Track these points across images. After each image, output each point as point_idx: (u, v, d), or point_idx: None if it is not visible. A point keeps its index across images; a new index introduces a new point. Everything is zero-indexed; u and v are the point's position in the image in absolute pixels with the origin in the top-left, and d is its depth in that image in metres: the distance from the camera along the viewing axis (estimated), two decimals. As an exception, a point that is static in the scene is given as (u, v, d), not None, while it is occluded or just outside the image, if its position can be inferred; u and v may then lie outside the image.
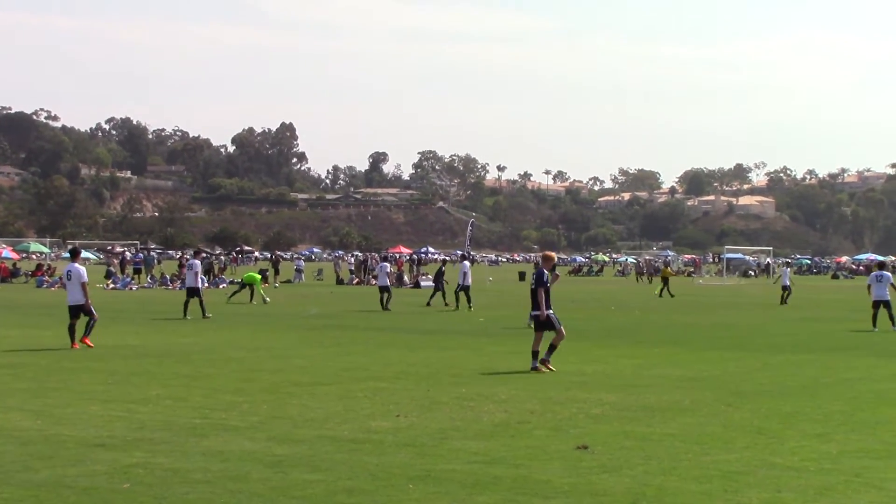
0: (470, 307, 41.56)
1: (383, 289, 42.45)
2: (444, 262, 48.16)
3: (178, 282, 62.95)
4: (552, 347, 20.63)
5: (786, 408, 15.76)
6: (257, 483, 10.47)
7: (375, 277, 54.90)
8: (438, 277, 46.33)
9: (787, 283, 50.86)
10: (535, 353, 20.58)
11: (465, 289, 41.88)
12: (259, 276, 49.47)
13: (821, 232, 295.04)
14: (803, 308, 47.08)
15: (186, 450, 12.06)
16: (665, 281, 59.01)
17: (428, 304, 44.35)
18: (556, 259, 22.28)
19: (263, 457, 11.70)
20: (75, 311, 24.24)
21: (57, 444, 12.31)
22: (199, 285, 35.69)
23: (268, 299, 46.41)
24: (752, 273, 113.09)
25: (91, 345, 23.91)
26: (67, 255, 28.06)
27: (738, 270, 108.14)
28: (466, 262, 44.22)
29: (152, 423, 13.75)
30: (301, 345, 25.89)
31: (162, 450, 12.04)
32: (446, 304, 43.72)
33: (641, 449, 12.38)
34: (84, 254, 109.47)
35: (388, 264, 46.07)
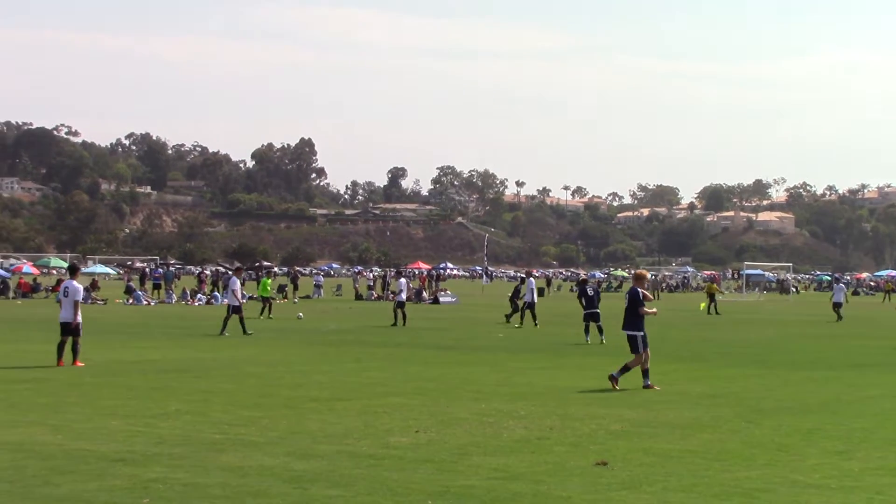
0: (535, 324, 41.19)
1: (401, 304, 42.21)
2: (523, 280, 47.18)
3: (199, 297, 63.10)
4: (626, 368, 20.30)
5: (807, 425, 15.69)
6: (277, 498, 10.47)
7: (394, 293, 54.62)
8: (515, 296, 45.36)
9: (843, 300, 50.42)
10: (645, 372, 20.16)
11: (531, 306, 41.66)
12: (269, 279, 50.21)
13: (841, 248, 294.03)
14: (824, 324, 46.88)
15: (206, 465, 12.07)
16: (712, 297, 58.75)
17: (507, 320, 43.91)
18: (648, 277, 22.02)
19: (283, 472, 11.70)
20: (67, 328, 23.57)
21: (77, 458, 12.34)
22: (239, 302, 35.32)
23: (301, 315, 46.62)
24: (795, 289, 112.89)
25: (81, 364, 23.25)
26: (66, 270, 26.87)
27: (760, 286, 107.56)
28: (532, 280, 43.78)
29: (172, 438, 13.77)
30: (320, 360, 25.90)
31: (181, 465, 12.06)
32: (510, 322, 43.16)
33: (661, 465, 12.34)
34: (103, 269, 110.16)
35: (405, 280, 45.59)
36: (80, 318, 23.71)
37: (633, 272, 23.12)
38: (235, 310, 34.94)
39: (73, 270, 25.72)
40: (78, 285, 24.22)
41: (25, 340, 30.84)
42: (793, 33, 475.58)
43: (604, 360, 26.50)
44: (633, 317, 20.75)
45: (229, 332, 34.28)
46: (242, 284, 39.25)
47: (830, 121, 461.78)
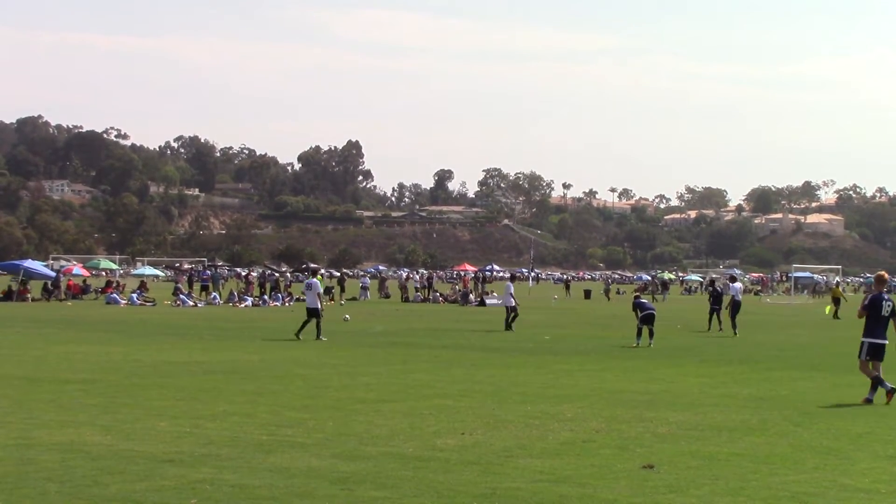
0: (735, 332, 39.24)
1: (511, 309, 41.40)
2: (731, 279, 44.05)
3: (245, 299, 63.37)
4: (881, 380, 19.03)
5: (856, 428, 15.56)
6: (323, 500, 10.51)
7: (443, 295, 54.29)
8: (734, 306, 41.72)
9: None
10: (878, 380, 18.99)
11: (737, 307, 40.45)
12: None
13: (891, 250, 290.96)
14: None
15: (253, 466, 12.13)
16: (836, 302, 57.81)
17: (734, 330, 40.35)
18: (888, 279, 20.87)
19: (329, 473, 11.73)
20: None
21: (126, 459, 12.43)
22: (319, 305, 34.07)
23: (347, 317, 46.61)
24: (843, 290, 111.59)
25: None
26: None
27: (809, 289, 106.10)
28: (737, 284, 42.69)
29: (219, 440, 13.85)
30: (366, 362, 25.93)
31: (229, 466, 12.12)
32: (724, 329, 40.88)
33: (708, 469, 12.28)
34: (151, 271, 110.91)
35: (511, 285, 44.14)
36: None
37: (876, 274, 21.34)
38: (312, 313, 33.74)
39: None
40: None
41: (75, 342, 31.12)
42: (843, 33, 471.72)
43: (647, 363, 26.44)
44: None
45: (324, 336, 33.34)
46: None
47: (881, 122, 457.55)
